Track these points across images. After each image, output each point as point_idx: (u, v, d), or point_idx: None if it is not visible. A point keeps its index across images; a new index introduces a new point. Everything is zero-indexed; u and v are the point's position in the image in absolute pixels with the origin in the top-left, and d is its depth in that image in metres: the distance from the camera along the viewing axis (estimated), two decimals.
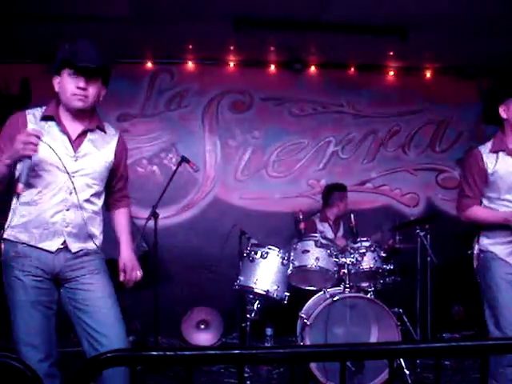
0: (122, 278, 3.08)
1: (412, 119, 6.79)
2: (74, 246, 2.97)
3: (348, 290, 4.74)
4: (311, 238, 4.95)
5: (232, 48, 6.15)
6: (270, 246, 4.99)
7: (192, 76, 6.51)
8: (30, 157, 2.68)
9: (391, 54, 6.30)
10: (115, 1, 4.88)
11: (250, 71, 6.57)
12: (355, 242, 4.99)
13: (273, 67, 6.55)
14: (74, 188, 2.92)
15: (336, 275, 4.88)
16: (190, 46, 6.09)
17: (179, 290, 6.23)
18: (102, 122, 3.15)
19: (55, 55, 2.98)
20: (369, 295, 4.74)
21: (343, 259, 4.86)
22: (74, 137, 2.98)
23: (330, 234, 5.92)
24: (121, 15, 5.08)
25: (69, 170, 2.91)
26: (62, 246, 2.93)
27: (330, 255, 4.88)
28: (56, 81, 2.97)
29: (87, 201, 3.00)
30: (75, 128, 3.00)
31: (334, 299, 4.52)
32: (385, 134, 6.75)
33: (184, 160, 5.17)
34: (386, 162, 6.76)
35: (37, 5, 4.93)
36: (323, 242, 4.92)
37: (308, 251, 4.88)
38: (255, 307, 4.98)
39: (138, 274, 3.16)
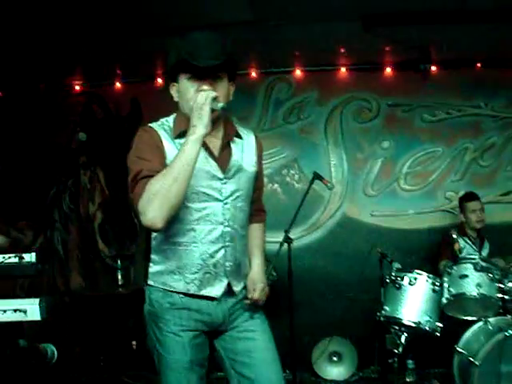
0: (249, 295, 2.53)
1: None
2: (238, 287, 2.50)
3: None
4: (469, 261, 4.33)
5: (353, 50, 5.62)
6: (418, 271, 4.40)
7: (311, 84, 6.00)
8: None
9: None
10: (236, 5, 4.51)
11: (373, 75, 6.00)
12: None
13: (397, 69, 5.96)
14: (229, 217, 2.42)
15: (500, 303, 4.23)
16: (309, 51, 5.61)
17: (308, 318, 5.62)
18: (235, 125, 2.58)
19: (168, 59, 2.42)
20: None
21: (510, 284, 4.18)
22: (216, 153, 2.42)
23: (473, 252, 5.24)
24: (240, 20, 4.68)
25: (220, 195, 2.40)
26: (224, 291, 2.45)
27: (493, 280, 4.24)
28: (174, 89, 2.43)
29: (241, 228, 2.49)
30: (213, 142, 2.42)
31: (507, 334, 3.84)
32: None
33: (317, 177, 4.67)
34: None
35: (141, 19, 4.64)
36: (484, 264, 4.27)
37: (466, 276, 4.28)
38: (403, 340, 4.39)
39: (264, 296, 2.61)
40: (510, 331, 3.84)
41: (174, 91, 2.43)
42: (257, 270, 2.61)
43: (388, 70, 5.97)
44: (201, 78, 2.30)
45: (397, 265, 4.64)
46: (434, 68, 5.88)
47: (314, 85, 5.99)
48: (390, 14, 4.82)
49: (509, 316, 4.15)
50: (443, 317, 4.38)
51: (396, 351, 4.40)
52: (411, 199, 6.00)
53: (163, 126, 2.41)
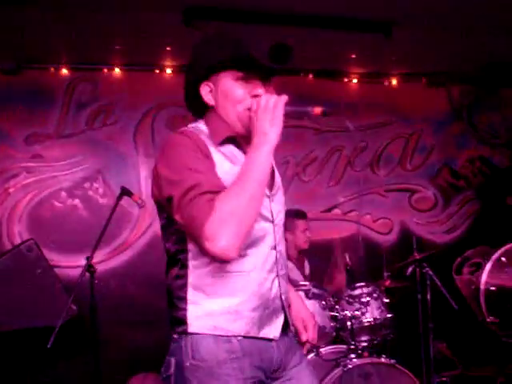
0: (303, 336, 2.22)
1: (379, 133, 5.90)
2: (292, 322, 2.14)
3: (353, 352, 3.68)
4: (300, 288, 3.86)
5: (175, 48, 4.99)
6: None
7: (120, 85, 5.28)
8: None
9: (354, 56, 5.41)
10: None
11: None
12: (354, 288, 3.94)
13: None
14: (279, 240, 2.06)
15: (334, 333, 3.85)
16: (117, 47, 4.92)
17: (116, 353, 4.89)
18: None
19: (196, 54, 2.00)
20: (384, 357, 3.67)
21: (344, 312, 3.80)
22: None
23: (296, 274, 4.85)
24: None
25: (270, 215, 2.03)
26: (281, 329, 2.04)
27: (325, 308, 3.85)
28: (205, 89, 2.00)
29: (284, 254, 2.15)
30: None
31: (345, 369, 3.43)
32: (351, 151, 5.80)
33: (125, 193, 4.02)
34: (355, 183, 5.79)
35: None
36: (316, 291, 3.85)
37: None
38: None
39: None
40: (349, 366, 3.45)
41: (205, 91, 2.00)
42: (301, 305, 2.30)
43: None
44: (252, 80, 1.97)
45: None
46: None
47: (123, 86, 5.28)
48: (217, 9, 4.29)
49: (342, 345, 3.80)
50: None
51: None
52: None
53: (200, 133, 1.97)
